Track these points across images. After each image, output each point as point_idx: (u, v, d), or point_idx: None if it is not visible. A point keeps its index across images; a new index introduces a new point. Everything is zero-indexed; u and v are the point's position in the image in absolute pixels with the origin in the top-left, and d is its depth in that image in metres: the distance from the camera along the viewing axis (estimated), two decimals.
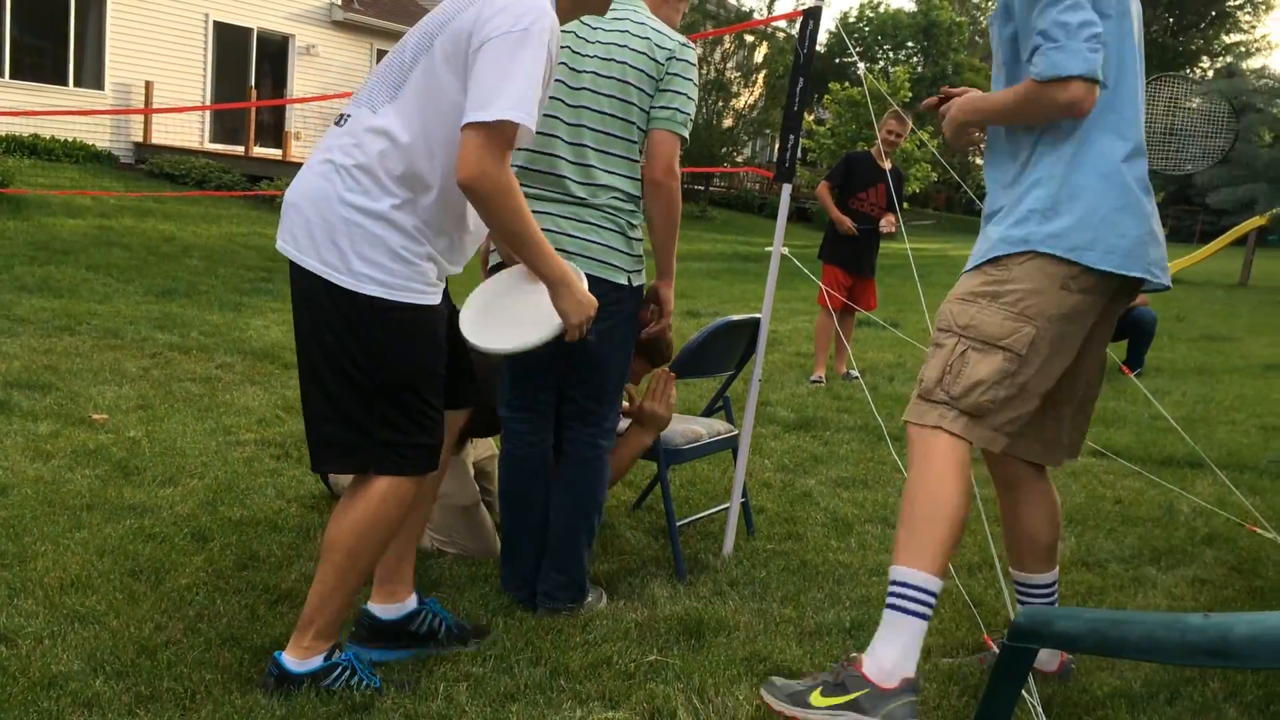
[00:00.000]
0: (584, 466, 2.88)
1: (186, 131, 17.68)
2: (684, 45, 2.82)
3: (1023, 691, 2.10)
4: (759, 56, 27.26)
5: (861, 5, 39.25)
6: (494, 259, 2.87)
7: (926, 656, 2.73)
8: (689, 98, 2.80)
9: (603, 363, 2.83)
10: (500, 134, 2.11)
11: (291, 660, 2.31)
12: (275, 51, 19.19)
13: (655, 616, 2.88)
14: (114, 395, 4.83)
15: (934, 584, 2.20)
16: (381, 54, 20.92)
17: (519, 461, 2.91)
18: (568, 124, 2.74)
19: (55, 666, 2.37)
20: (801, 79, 3.32)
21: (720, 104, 26.45)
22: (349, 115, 2.28)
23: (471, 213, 2.33)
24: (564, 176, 2.74)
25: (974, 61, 39.10)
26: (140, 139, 16.71)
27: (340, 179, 2.20)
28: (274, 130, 19.25)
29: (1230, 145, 12.59)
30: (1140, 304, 7.46)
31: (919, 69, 36.99)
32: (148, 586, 2.85)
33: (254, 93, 18.13)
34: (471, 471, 3.38)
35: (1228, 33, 43.68)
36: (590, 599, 2.95)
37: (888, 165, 7.04)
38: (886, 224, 6.93)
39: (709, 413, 3.88)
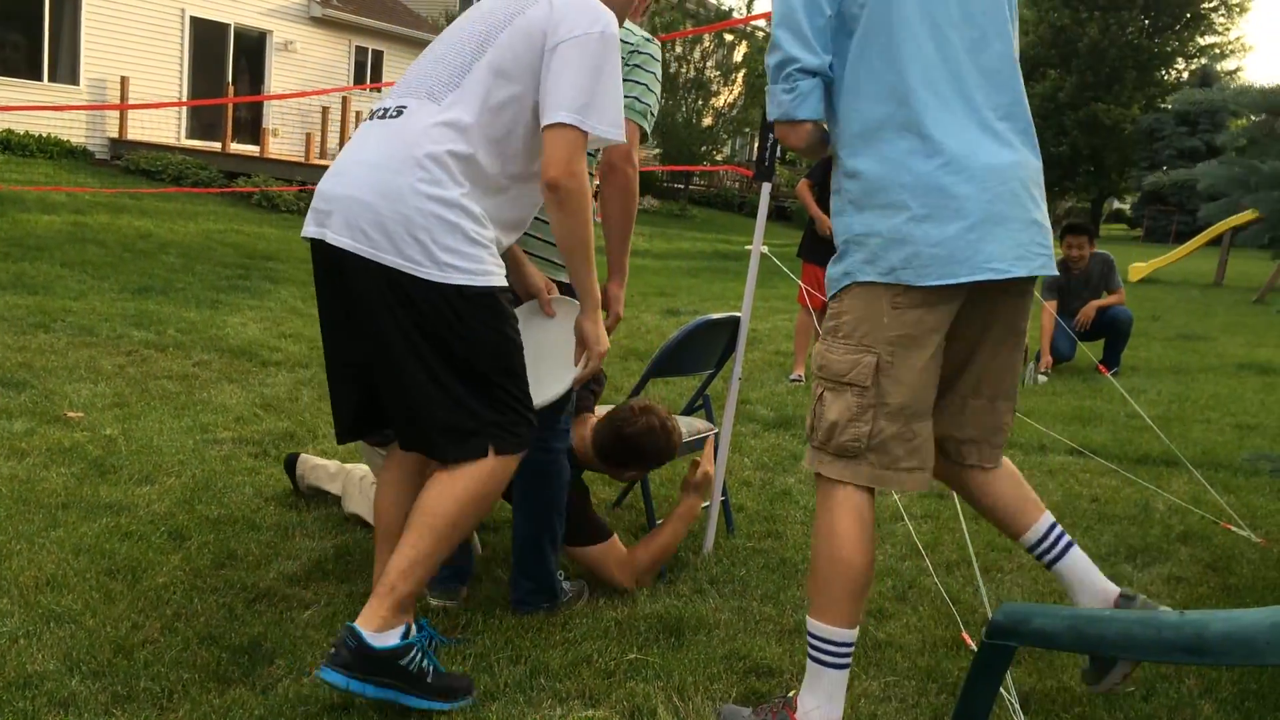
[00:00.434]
0: (540, 474, 2.79)
1: (163, 127, 17.55)
2: (646, 40, 2.85)
3: (1001, 689, 2.11)
4: (738, 55, 27.29)
5: None
6: None
7: (905, 655, 2.75)
8: (649, 88, 2.82)
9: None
10: (585, 138, 2.21)
11: (370, 634, 2.18)
12: (253, 47, 19.07)
13: (635, 615, 2.88)
14: (89, 393, 4.79)
15: (844, 635, 2.20)
16: (360, 51, 20.83)
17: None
18: None
19: (31, 666, 2.36)
20: None
21: (700, 103, 26.49)
22: (404, 107, 2.27)
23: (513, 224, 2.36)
24: None
25: None
26: (116, 135, 16.57)
27: (411, 170, 2.18)
28: (251, 126, 19.12)
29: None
30: (1117, 303, 7.52)
31: None
32: (124, 585, 2.83)
33: (231, 89, 17.99)
34: None
35: (1202, 35, 44.01)
36: (570, 594, 2.95)
37: None
38: None
39: (689, 411, 3.89)
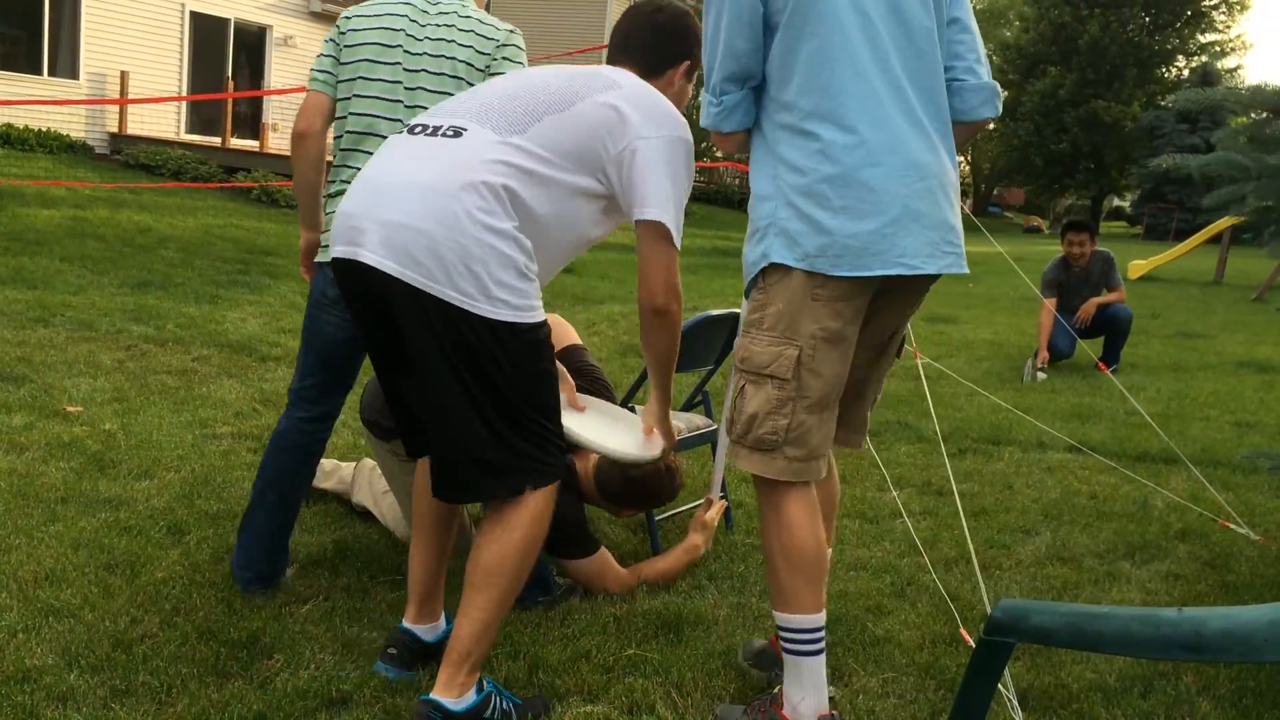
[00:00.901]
0: None
1: (162, 122, 17.52)
2: (511, 32, 2.82)
3: (999, 685, 2.11)
4: None
5: None
6: (322, 255, 2.79)
7: (903, 651, 2.75)
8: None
9: None
10: (676, 254, 2.26)
11: (451, 700, 2.15)
12: (253, 42, 19.05)
13: (634, 610, 2.88)
14: (89, 388, 4.79)
15: (812, 620, 2.21)
16: None
17: (291, 449, 2.86)
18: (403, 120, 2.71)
19: (29, 660, 2.36)
20: None
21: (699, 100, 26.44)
22: (464, 129, 2.18)
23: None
24: None
25: None
26: (115, 129, 16.54)
27: (468, 196, 2.08)
28: (251, 121, 19.09)
29: None
30: (1117, 301, 7.51)
31: None
32: (123, 580, 2.83)
33: (231, 84, 17.98)
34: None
35: (1203, 32, 44.03)
36: (563, 586, 2.96)
37: None
38: None
39: (688, 407, 3.89)
